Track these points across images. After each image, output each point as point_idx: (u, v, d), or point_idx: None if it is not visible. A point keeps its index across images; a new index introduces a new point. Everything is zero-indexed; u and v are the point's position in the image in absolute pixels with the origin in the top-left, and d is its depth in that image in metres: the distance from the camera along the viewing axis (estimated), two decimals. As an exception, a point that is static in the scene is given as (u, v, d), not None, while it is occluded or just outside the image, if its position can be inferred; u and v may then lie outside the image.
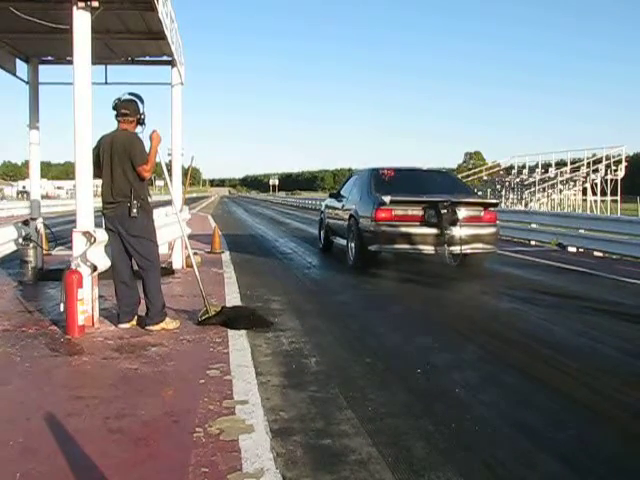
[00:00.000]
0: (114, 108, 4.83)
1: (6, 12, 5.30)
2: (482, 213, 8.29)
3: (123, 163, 4.70)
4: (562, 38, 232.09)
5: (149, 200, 4.89)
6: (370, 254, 8.40)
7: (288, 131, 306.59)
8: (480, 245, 8.19)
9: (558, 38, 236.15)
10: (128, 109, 4.81)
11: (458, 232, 7.91)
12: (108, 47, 7.41)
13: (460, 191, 8.99)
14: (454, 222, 7.88)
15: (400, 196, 8.08)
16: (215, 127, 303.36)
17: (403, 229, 8.01)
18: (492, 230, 8.33)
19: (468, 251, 8.18)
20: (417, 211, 8.01)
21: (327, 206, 11.19)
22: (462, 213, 8.00)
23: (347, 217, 9.19)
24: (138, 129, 4.90)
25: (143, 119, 4.89)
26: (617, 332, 5.25)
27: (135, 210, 4.69)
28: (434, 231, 7.91)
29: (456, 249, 8.02)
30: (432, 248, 8.03)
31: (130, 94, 4.89)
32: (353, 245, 8.86)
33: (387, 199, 7.93)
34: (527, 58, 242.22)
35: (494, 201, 9.73)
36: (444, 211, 7.85)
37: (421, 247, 8.04)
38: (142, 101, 4.89)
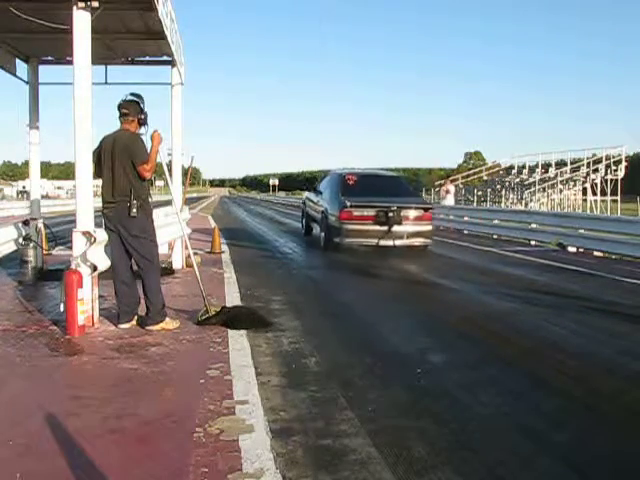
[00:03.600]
0: (117, 108, 4.84)
1: (6, 12, 5.30)
2: (422, 214, 10.30)
3: (124, 163, 4.70)
4: (563, 38, 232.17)
5: (149, 200, 4.90)
6: (335, 244, 10.43)
7: (288, 131, 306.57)
8: (421, 239, 10.24)
9: (559, 38, 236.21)
10: (128, 109, 4.81)
11: (403, 229, 9.98)
12: (108, 47, 7.41)
13: (408, 194, 11.23)
14: (399, 221, 9.88)
15: (359, 201, 10.08)
16: (215, 127, 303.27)
17: (360, 226, 9.98)
18: (429, 227, 10.41)
19: (416, 243, 10.25)
20: (371, 212, 10.01)
21: (307, 198, 13.34)
22: (406, 214, 10.06)
23: (321, 211, 11.30)
24: (142, 130, 4.90)
25: (144, 119, 4.89)
26: (617, 332, 5.25)
27: (135, 210, 4.69)
28: (384, 228, 9.87)
29: (401, 242, 10.05)
30: (382, 242, 9.94)
31: (132, 94, 4.90)
32: (323, 235, 11.08)
33: (349, 203, 10.02)
34: (528, 58, 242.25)
35: (430, 205, 11.84)
36: (391, 214, 9.86)
37: (373, 240, 9.97)
38: (143, 102, 4.90)
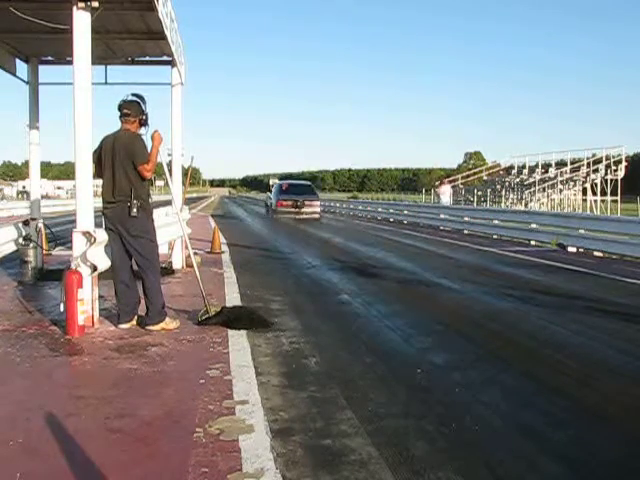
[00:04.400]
0: (118, 108, 4.84)
1: (6, 12, 5.30)
2: (314, 202, 22.81)
3: (124, 163, 4.70)
4: (563, 38, 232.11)
5: (150, 200, 4.90)
6: (275, 218, 22.05)
7: (288, 131, 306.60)
8: (315, 215, 22.32)
9: (559, 38, 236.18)
10: (130, 109, 4.81)
11: (305, 209, 22.08)
12: (108, 47, 7.41)
13: (310, 194, 23.47)
14: (302, 206, 21.96)
15: (284, 198, 22.56)
16: (215, 127, 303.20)
17: (285, 209, 22.12)
18: (318, 209, 23.00)
19: (312, 217, 21.79)
20: (290, 202, 22.17)
21: (267, 196, 27.71)
22: (306, 203, 22.32)
23: (270, 202, 24.41)
24: (142, 130, 4.90)
25: (145, 120, 4.88)
26: (617, 332, 5.25)
27: (135, 210, 4.69)
28: (296, 209, 21.96)
29: (303, 216, 21.44)
30: (295, 216, 21.26)
31: (133, 95, 4.89)
32: (271, 212, 23.82)
33: (280, 198, 22.69)
34: (528, 58, 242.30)
35: (319, 198, 24.55)
36: (299, 202, 22.16)
37: (292, 215, 21.30)
38: (145, 102, 4.89)
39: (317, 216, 22.42)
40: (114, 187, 4.72)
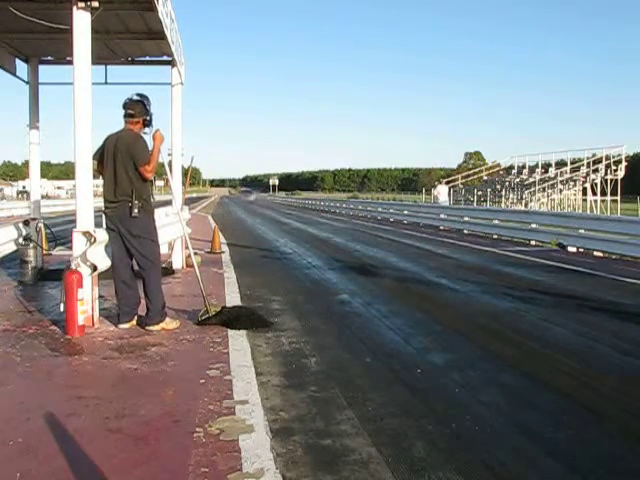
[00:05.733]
0: (123, 107, 4.83)
1: (6, 12, 5.30)
2: (252, 195, 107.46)
3: (126, 163, 4.69)
4: (563, 38, 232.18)
5: (151, 200, 4.89)
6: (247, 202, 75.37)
7: (288, 131, 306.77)
8: (251, 199, 76.39)
9: (559, 38, 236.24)
10: (134, 110, 4.80)
11: (251, 196, 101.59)
12: (108, 47, 7.42)
13: (251, 192, 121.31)
14: (247, 196, 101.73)
15: (245, 193, 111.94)
16: (215, 127, 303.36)
17: (244, 197, 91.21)
18: (253, 197, 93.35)
19: (251, 200, 70.84)
20: (247, 192, 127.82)
21: (242, 192, 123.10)
22: (248, 194, 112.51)
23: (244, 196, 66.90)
24: (145, 130, 4.89)
25: (149, 121, 4.88)
26: (617, 332, 5.25)
27: (136, 210, 4.69)
28: (249, 194, 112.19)
29: (251, 199, 76.70)
30: (246, 199, 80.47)
31: (138, 95, 4.88)
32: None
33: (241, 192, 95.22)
34: (528, 58, 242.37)
35: (252, 193, 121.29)
36: (248, 193, 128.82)
37: (245, 198, 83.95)
38: (149, 103, 4.89)
39: (253, 200, 61.08)
40: (116, 187, 4.72)
